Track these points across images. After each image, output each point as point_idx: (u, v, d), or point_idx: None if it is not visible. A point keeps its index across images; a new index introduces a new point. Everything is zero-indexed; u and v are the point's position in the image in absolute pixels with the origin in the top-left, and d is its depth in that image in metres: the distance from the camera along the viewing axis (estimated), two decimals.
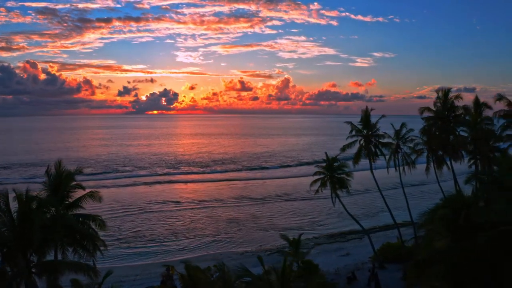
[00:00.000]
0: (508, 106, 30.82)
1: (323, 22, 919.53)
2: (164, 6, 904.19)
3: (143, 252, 39.14)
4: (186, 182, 79.08)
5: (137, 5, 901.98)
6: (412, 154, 34.07)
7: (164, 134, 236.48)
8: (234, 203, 59.49)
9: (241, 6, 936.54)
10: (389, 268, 30.34)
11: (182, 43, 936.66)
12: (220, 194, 66.02)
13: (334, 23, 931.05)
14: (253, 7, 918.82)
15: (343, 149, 32.50)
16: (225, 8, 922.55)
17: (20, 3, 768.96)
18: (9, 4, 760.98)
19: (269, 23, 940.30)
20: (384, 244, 34.24)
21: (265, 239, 42.62)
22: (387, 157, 33.68)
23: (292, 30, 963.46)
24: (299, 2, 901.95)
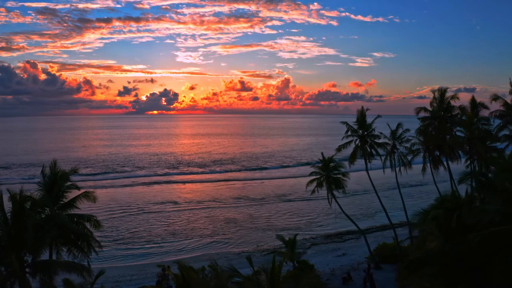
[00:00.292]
0: (504, 106, 30.84)
1: (323, 22, 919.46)
2: (164, 6, 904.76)
3: (140, 252, 39.16)
4: (185, 182, 79.13)
5: (137, 5, 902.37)
6: (408, 155, 34.09)
7: (164, 134, 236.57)
8: (233, 203, 59.50)
9: (241, 6, 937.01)
10: (385, 269, 30.35)
11: (182, 43, 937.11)
12: (218, 194, 66.04)
13: (334, 23, 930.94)
14: (253, 7, 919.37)
15: (339, 149, 32.51)
16: (225, 8, 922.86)
17: (20, 3, 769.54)
18: (9, 4, 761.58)
19: (269, 23, 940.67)
20: (380, 245, 34.27)
21: (262, 239, 42.64)
22: (383, 157, 33.70)
23: (292, 30, 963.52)
24: (299, 2, 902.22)
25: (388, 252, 32.27)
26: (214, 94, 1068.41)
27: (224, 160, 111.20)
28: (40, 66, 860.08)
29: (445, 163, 34.51)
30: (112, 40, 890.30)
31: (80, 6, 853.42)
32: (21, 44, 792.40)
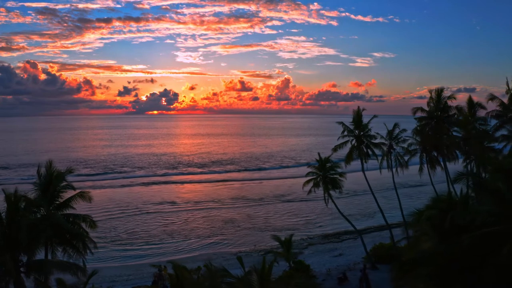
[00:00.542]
0: (500, 107, 30.85)
1: (323, 22, 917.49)
2: (164, 6, 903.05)
3: (138, 253, 39.15)
4: (183, 182, 79.18)
5: (137, 5, 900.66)
6: (405, 155, 34.09)
7: (164, 134, 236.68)
8: (231, 203, 59.53)
9: (241, 6, 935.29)
10: (381, 269, 30.34)
11: (182, 43, 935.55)
12: (217, 194, 66.08)
13: (334, 23, 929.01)
14: (253, 7, 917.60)
15: (335, 149, 32.55)
16: (225, 8, 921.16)
17: (20, 3, 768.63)
18: (9, 4, 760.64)
19: (269, 23, 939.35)
20: (377, 245, 34.29)
21: (260, 240, 42.66)
22: (380, 157, 33.70)
23: (292, 30, 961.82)
24: (299, 2, 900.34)
25: (384, 253, 32.29)
26: (214, 94, 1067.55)
27: (223, 160, 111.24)
28: (40, 66, 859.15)
29: (442, 163, 34.52)
30: (112, 40, 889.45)
31: (80, 6, 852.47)
32: (21, 44, 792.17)
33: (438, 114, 33.34)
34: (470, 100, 34.24)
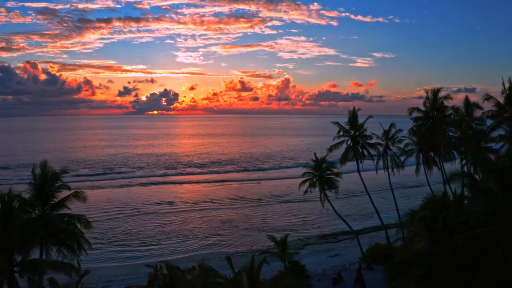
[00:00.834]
0: (496, 107, 30.83)
1: (323, 22, 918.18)
2: (164, 7, 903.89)
3: (135, 253, 39.13)
4: (182, 183, 79.18)
5: (137, 6, 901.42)
6: (401, 155, 34.06)
7: (164, 134, 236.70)
8: (229, 204, 59.51)
9: (241, 6, 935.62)
10: (376, 269, 30.31)
11: (182, 43, 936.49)
12: (216, 195, 66.07)
13: (334, 23, 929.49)
14: (253, 8, 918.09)
15: (330, 149, 32.51)
16: (225, 9, 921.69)
17: (20, 3, 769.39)
18: (9, 4, 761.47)
19: (269, 24, 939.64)
20: (373, 245, 34.27)
21: (257, 240, 42.63)
22: (375, 158, 33.65)
23: (292, 31, 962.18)
24: (299, 2, 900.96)
25: (380, 253, 32.28)
26: (214, 94, 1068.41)
27: (223, 160, 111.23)
28: (40, 66, 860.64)
29: (439, 163, 34.49)
30: (112, 40, 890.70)
31: (80, 6, 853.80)
32: (21, 44, 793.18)
33: (435, 114, 33.33)
34: (466, 100, 34.21)
